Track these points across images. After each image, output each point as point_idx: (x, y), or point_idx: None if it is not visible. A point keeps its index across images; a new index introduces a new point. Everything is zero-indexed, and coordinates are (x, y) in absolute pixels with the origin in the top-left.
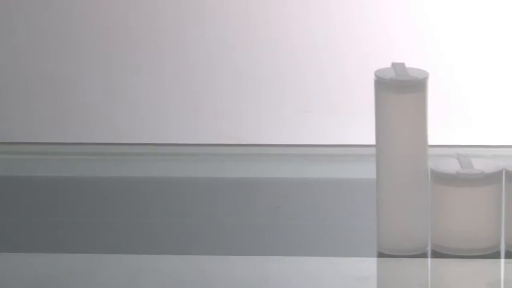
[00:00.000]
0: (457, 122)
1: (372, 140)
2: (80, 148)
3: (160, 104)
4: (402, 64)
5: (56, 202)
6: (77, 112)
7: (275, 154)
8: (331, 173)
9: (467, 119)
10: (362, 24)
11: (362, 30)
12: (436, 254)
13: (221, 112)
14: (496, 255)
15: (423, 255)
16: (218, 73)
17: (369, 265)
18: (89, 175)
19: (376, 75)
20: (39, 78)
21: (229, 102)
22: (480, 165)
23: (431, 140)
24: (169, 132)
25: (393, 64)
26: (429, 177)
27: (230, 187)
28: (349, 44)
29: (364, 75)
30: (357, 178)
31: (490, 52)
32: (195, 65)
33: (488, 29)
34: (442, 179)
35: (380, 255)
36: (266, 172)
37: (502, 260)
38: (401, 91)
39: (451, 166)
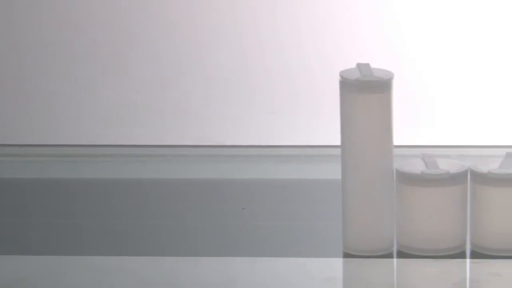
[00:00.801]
0: (422, 122)
1: (338, 141)
2: (46, 150)
3: (127, 105)
4: (367, 65)
5: (22, 203)
6: (43, 113)
7: (242, 155)
8: (297, 174)
9: (432, 119)
10: (327, 25)
11: (328, 31)
12: (402, 254)
13: (188, 113)
14: (461, 255)
15: (389, 255)
16: (185, 74)
17: (335, 265)
18: (55, 177)
19: (341, 76)
20: (5, 79)
21: (196, 103)
22: (445, 165)
23: (396, 140)
24: (136, 133)
25: (358, 65)
26: (395, 177)
27: (196, 188)
28: (314, 45)
29: (330, 75)
30: (323, 178)
31: (454, 51)
32: (162, 66)
33: (452, 29)
34: (408, 179)
35: (346, 255)
36: (232, 173)
37: (468, 260)
38: (366, 91)
39: (416, 166)
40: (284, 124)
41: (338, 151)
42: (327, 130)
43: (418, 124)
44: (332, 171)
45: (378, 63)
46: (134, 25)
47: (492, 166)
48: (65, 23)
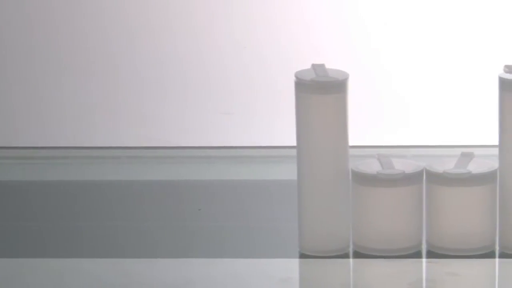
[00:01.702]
0: (378, 123)
1: (294, 142)
2: (5, 152)
3: (85, 106)
4: (322, 65)
5: None
6: (3, 115)
7: (197, 156)
8: (254, 175)
9: (387, 119)
10: (282, 26)
11: (282, 32)
12: (358, 255)
13: (143, 114)
14: (417, 255)
15: (345, 256)
16: (140, 75)
17: (291, 266)
18: (14, 179)
19: (296, 77)
20: None
21: (152, 105)
22: (401, 165)
23: (352, 141)
24: (93, 135)
25: (313, 65)
26: (350, 177)
27: (152, 190)
28: (269, 45)
29: (285, 76)
30: (280, 179)
31: (410, 52)
32: (117, 66)
33: (407, 29)
34: (363, 179)
35: (302, 256)
36: (188, 174)
37: (423, 260)
38: (321, 92)
39: (372, 167)
40: (240, 125)
41: (294, 152)
42: (283, 131)
43: (374, 124)
44: (289, 172)
45: (333, 63)
46: (89, 25)
47: (447, 166)
48: (21, 23)
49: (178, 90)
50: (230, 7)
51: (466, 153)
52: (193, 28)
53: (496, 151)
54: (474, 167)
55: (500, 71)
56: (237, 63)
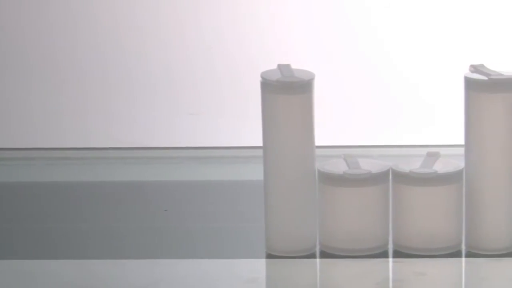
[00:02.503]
0: (344, 123)
1: (261, 142)
2: None
3: (52, 108)
4: (288, 66)
5: None
6: None
7: (164, 157)
8: (220, 175)
9: (353, 119)
10: (249, 26)
11: (249, 32)
12: (325, 255)
13: (111, 115)
14: (384, 255)
15: (312, 256)
16: (108, 76)
17: (258, 266)
18: None
19: (262, 77)
20: None
21: (119, 105)
22: (367, 165)
23: (318, 141)
24: (59, 136)
25: (279, 66)
26: (317, 177)
27: (119, 191)
28: (236, 46)
29: (252, 76)
30: (247, 180)
31: (375, 51)
32: (86, 67)
33: (373, 29)
34: (330, 179)
35: (269, 256)
36: (154, 175)
37: (390, 260)
38: (287, 92)
39: (338, 167)
40: (207, 125)
41: (261, 152)
42: (250, 131)
43: (340, 124)
44: (256, 172)
45: (299, 64)
46: (57, 27)
47: (413, 165)
48: None
49: (145, 90)
50: (197, 7)
51: (432, 153)
52: (160, 29)
53: (462, 150)
54: (440, 167)
55: (466, 71)
56: (204, 64)
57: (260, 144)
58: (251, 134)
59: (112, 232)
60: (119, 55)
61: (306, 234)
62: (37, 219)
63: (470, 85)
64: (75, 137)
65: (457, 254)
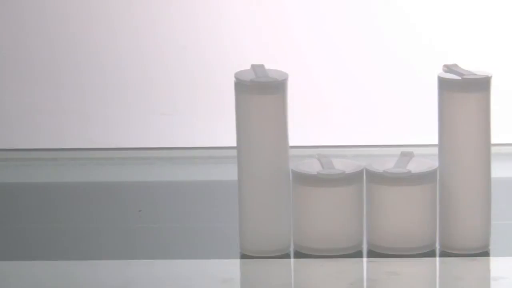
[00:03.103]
0: (318, 123)
1: (235, 142)
2: None
3: (26, 108)
4: (262, 66)
5: None
6: None
7: (137, 157)
8: (194, 176)
9: (327, 119)
10: (222, 26)
11: (223, 32)
12: (299, 255)
13: (83, 115)
14: (358, 255)
15: (286, 256)
16: (80, 75)
17: (232, 267)
18: None
19: (236, 77)
20: None
21: (92, 105)
22: (341, 165)
23: (292, 141)
24: (32, 136)
25: (253, 66)
26: (291, 178)
27: (92, 191)
28: (210, 46)
29: (226, 76)
30: (221, 180)
31: (349, 51)
32: (57, 67)
33: (347, 29)
34: (303, 179)
35: (243, 256)
36: (128, 175)
37: (364, 259)
38: (260, 92)
39: (312, 167)
40: (181, 125)
41: (235, 153)
42: (224, 132)
43: (313, 124)
44: (230, 173)
45: (273, 64)
46: (30, 27)
47: (387, 165)
48: None
49: (118, 91)
50: (170, 7)
51: (406, 153)
52: (133, 28)
53: (435, 150)
54: (414, 167)
55: (439, 71)
56: (177, 64)
57: (234, 144)
58: (225, 135)
59: (86, 233)
60: (92, 56)
61: (280, 234)
62: (9, 220)
63: (444, 85)
64: (48, 137)
65: (431, 253)
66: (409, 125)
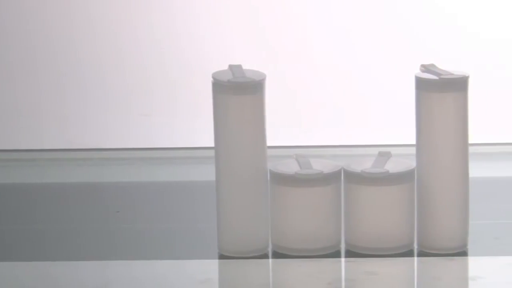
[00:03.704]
0: (295, 123)
1: (213, 142)
2: None
3: (5, 109)
4: (239, 66)
5: None
6: None
7: (115, 158)
8: (173, 176)
9: (305, 119)
10: (200, 26)
11: (200, 32)
12: (277, 255)
13: (64, 117)
14: (336, 255)
15: (264, 256)
16: (58, 76)
17: (210, 267)
18: None
19: (213, 77)
20: None
21: (70, 106)
22: (319, 165)
23: (270, 141)
24: (11, 137)
25: (230, 66)
26: (269, 178)
27: (70, 192)
28: (187, 46)
29: (204, 77)
30: (199, 180)
31: (327, 51)
32: (34, 67)
33: (324, 29)
34: (281, 179)
35: (221, 257)
36: (106, 176)
37: (343, 259)
38: (238, 93)
39: (290, 167)
40: (159, 126)
41: (213, 153)
42: (202, 132)
43: (291, 124)
44: (208, 173)
45: (251, 64)
46: (9, 27)
47: (365, 165)
48: None
49: (97, 92)
50: (149, 8)
51: (384, 153)
52: (112, 30)
53: (413, 150)
54: (392, 167)
55: (416, 71)
56: (155, 64)
57: (212, 144)
58: (203, 135)
59: (64, 234)
60: (70, 56)
61: (258, 235)
62: None
63: (421, 84)
64: (26, 138)
65: (409, 253)
66: (387, 125)
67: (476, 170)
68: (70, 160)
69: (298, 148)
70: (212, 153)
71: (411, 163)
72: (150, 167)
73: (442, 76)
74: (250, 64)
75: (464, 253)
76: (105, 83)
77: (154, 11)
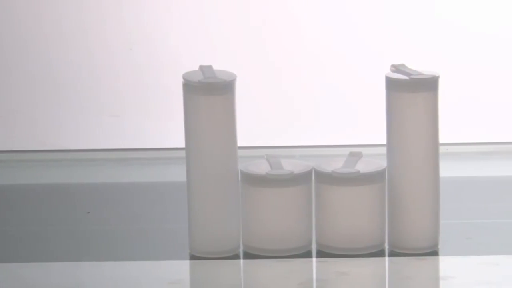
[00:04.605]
0: (266, 123)
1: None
2: None
3: None
4: (210, 67)
5: None
6: None
7: (86, 159)
8: (143, 177)
9: (275, 120)
10: (170, 27)
11: (171, 33)
12: (248, 255)
13: (34, 117)
14: (307, 255)
15: (235, 257)
16: (29, 77)
17: (181, 268)
18: None
19: (184, 78)
20: None
21: (41, 107)
22: (290, 166)
23: (241, 142)
24: None
25: (201, 67)
26: (240, 178)
27: (40, 193)
28: (157, 47)
29: (174, 77)
30: (170, 181)
31: (297, 52)
32: (10, 69)
33: (295, 29)
34: (252, 180)
35: (193, 257)
36: (76, 177)
37: (314, 259)
38: (209, 93)
39: (261, 167)
40: (130, 127)
41: (184, 153)
42: (173, 133)
43: (262, 125)
44: (179, 174)
45: (221, 65)
46: None
47: (335, 165)
48: None
49: (67, 93)
50: (119, 8)
51: (354, 153)
52: (81, 30)
53: (384, 150)
54: (362, 167)
55: (387, 71)
56: (126, 65)
57: (183, 145)
58: (174, 135)
59: (35, 235)
60: (41, 56)
61: (230, 235)
62: None
63: (391, 85)
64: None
65: (380, 253)
66: (358, 125)
67: (447, 170)
68: (40, 162)
69: (269, 148)
70: (183, 153)
71: (382, 163)
72: (121, 168)
73: (412, 76)
74: (220, 64)
75: (435, 253)
76: (75, 84)
77: (124, 11)
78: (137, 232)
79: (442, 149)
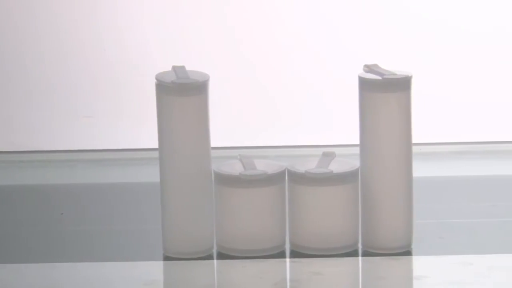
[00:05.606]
0: (239, 124)
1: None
2: None
3: None
4: (183, 67)
5: None
6: None
7: (59, 160)
8: (117, 178)
9: (249, 120)
10: (143, 27)
11: (145, 33)
12: (222, 256)
13: (7, 118)
14: (281, 255)
15: (209, 257)
16: (4, 79)
17: (155, 268)
18: None
19: (157, 79)
20: None
21: (13, 108)
22: (263, 166)
23: (214, 142)
24: None
25: (174, 67)
26: (213, 179)
27: (12, 194)
28: (130, 47)
29: (148, 78)
30: (143, 182)
31: (271, 51)
32: None
33: (269, 28)
34: (226, 180)
35: (166, 258)
36: (50, 178)
37: (287, 260)
38: (182, 94)
39: (234, 168)
40: (103, 128)
41: (157, 154)
42: (146, 133)
43: (235, 125)
44: (152, 174)
45: (194, 65)
46: None
47: (309, 166)
48: None
49: (40, 93)
50: (93, 9)
51: (328, 153)
52: (54, 31)
53: (357, 150)
54: (336, 167)
55: (360, 71)
56: (99, 66)
57: (157, 146)
58: (147, 136)
59: (8, 236)
60: (14, 57)
61: (203, 236)
62: None
63: (364, 85)
64: None
65: (353, 253)
66: (331, 125)
67: (420, 169)
68: (13, 163)
69: (242, 149)
70: (156, 154)
71: (355, 163)
72: (94, 168)
73: (385, 76)
74: (193, 65)
75: (408, 253)
76: (49, 84)
77: (97, 11)
78: (111, 233)
79: (415, 149)
